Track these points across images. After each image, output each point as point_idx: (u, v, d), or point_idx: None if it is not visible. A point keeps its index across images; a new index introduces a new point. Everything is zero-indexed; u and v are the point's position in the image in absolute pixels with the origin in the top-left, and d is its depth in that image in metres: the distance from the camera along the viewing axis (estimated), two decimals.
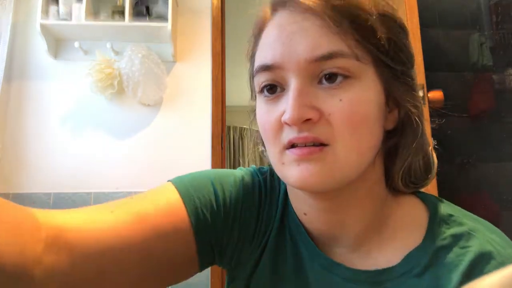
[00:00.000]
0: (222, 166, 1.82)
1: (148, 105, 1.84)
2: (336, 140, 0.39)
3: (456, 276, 0.40)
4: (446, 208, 0.46)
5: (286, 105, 0.40)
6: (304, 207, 0.48)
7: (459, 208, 0.46)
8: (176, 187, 0.47)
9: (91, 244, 0.39)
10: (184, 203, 0.46)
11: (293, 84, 0.40)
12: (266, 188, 0.52)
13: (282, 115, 0.41)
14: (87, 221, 0.40)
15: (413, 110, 0.44)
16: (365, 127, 0.40)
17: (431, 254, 0.42)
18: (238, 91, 2.31)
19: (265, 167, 0.56)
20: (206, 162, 1.79)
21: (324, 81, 0.40)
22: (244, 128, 5.04)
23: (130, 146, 1.81)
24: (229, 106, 2.06)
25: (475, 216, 0.45)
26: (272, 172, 0.54)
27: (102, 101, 1.83)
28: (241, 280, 0.50)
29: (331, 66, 0.39)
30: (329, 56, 0.39)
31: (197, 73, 1.89)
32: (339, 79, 0.39)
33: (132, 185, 1.76)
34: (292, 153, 0.40)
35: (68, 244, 0.38)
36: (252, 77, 0.47)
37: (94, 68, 1.73)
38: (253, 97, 0.49)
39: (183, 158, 1.80)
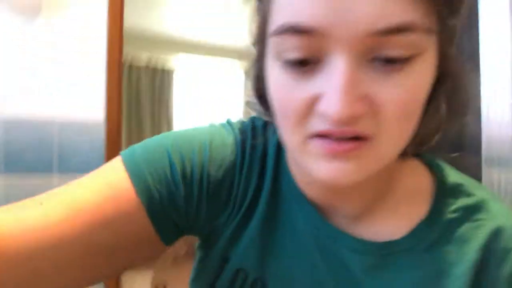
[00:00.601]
0: (118, 109, 1.55)
1: (22, 12, 1.43)
2: (381, 132, 0.31)
3: (471, 251, 0.38)
4: (453, 176, 0.43)
5: (327, 90, 0.29)
6: (308, 178, 0.41)
7: (463, 174, 0.44)
8: (124, 164, 0.40)
9: (19, 249, 0.34)
10: (133, 182, 0.39)
11: (340, 64, 0.29)
12: (245, 149, 0.44)
13: (314, 97, 0.30)
14: (14, 223, 0.35)
15: (457, 73, 0.36)
16: (417, 113, 0.33)
17: (440, 228, 0.40)
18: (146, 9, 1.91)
19: (246, 121, 0.47)
20: (99, 94, 1.50)
21: (380, 60, 0.29)
22: (165, 67, 3.60)
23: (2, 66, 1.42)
24: (130, 28, 1.70)
25: (478, 183, 0.44)
26: (256, 128, 0.46)
27: None
28: (217, 251, 0.45)
29: (396, 45, 0.29)
30: (398, 30, 0.28)
31: None
32: (401, 59, 0.29)
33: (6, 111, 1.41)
34: (321, 146, 0.32)
35: None
36: (263, 23, 0.35)
37: None
38: (255, 43, 0.39)
39: (72, 82, 1.49)
